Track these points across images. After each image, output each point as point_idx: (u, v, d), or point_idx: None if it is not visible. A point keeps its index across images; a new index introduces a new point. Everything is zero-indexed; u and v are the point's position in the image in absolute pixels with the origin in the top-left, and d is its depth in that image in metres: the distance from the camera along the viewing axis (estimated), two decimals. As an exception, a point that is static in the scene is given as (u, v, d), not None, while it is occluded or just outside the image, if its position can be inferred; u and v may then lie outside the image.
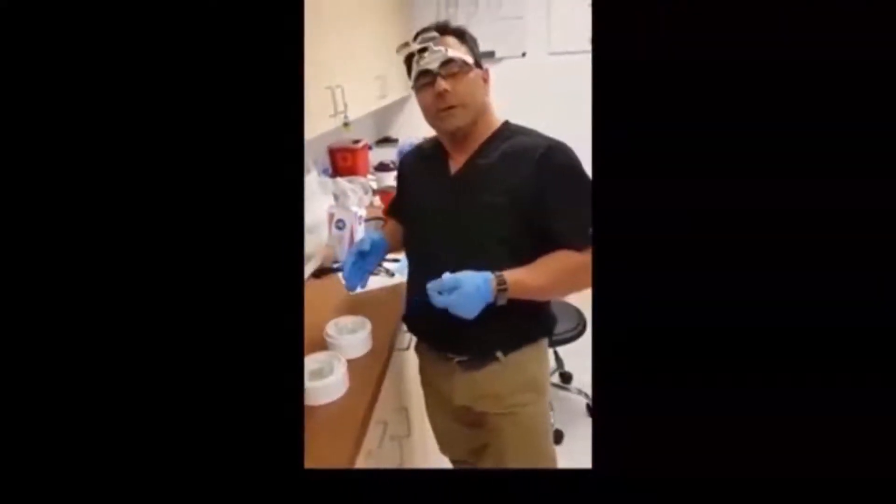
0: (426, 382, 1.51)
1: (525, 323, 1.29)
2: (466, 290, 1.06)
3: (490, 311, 1.12)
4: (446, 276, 1.09)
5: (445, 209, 1.26)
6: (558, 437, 2.38)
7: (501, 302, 1.11)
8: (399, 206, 1.51)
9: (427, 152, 1.40)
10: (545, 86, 3.28)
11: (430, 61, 1.17)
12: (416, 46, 1.19)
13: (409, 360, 1.75)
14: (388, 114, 3.61)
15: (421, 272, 1.27)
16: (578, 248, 1.15)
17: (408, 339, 1.67)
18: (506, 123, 1.30)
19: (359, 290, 1.79)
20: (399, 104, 3.48)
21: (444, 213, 1.26)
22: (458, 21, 3.38)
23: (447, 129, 1.22)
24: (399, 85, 2.89)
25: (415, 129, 3.59)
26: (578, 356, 2.71)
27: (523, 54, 3.32)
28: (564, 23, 3.24)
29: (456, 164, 1.29)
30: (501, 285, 1.09)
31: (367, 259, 1.39)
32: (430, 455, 1.87)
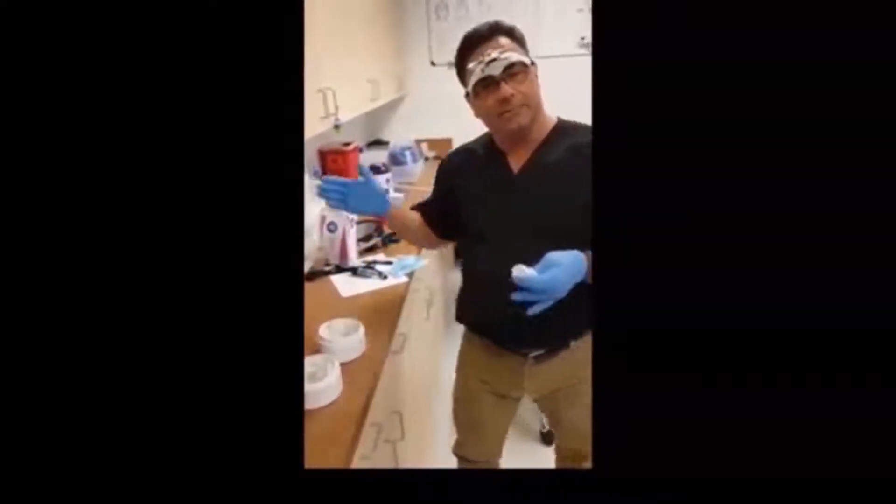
0: (479, 379, 1.49)
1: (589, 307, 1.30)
2: (563, 263, 1.03)
3: (568, 303, 1.11)
4: (548, 256, 1.04)
5: (513, 208, 1.26)
6: (550, 437, 2.38)
7: (590, 280, 1.09)
8: (433, 207, 1.50)
9: (479, 153, 1.40)
10: (535, 89, 3.30)
11: (494, 68, 1.17)
12: (486, 59, 1.18)
13: (403, 364, 1.75)
14: (378, 116, 3.62)
15: (487, 274, 1.29)
16: None
17: (401, 341, 1.67)
18: (560, 120, 1.33)
19: (351, 293, 1.80)
20: (390, 107, 3.48)
21: (512, 212, 1.26)
22: (448, 24, 3.40)
23: (511, 128, 1.23)
24: (390, 87, 2.90)
25: (405, 131, 3.60)
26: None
27: (513, 58, 3.33)
28: (553, 27, 3.27)
29: (517, 162, 1.30)
30: (592, 261, 1.05)
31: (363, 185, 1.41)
32: (423, 459, 1.87)
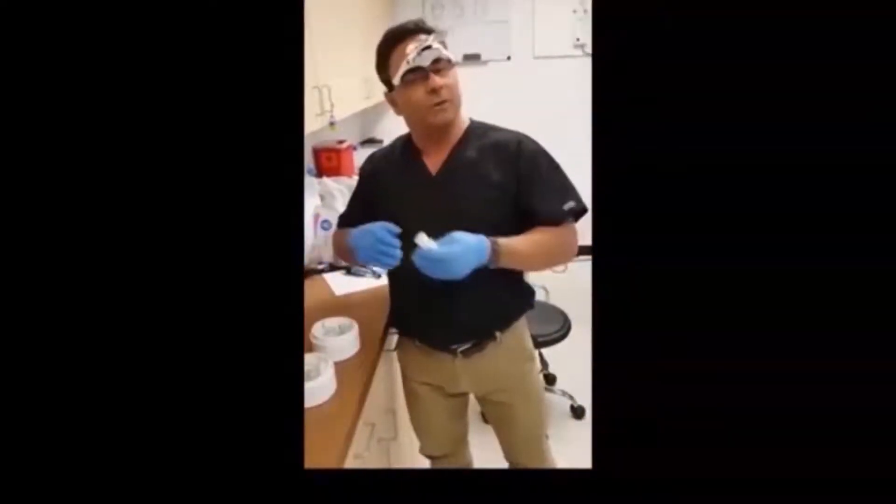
0: (419, 381, 1.50)
1: (513, 299, 1.39)
2: (466, 242, 1.09)
3: (490, 294, 1.18)
4: (453, 234, 1.10)
5: (433, 208, 1.27)
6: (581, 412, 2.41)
7: (494, 265, 1.14)
8: (359, 217, 1.42)
9: (396, 156, 1.40)
10: (530, 89, 3.30)
11: (424, 58, 1.19)
12: (419, 47, 1.19)
13: (398, 362, 1.75)
14: (372, 115, 3.60)
15: (413, 275, 1.28)
16: (557, 223, 1.25)
17: (395, 340, 1.67)
18: (472, 121, 1.35)
19: (345, 291, 1.80)
20: (384, 105, 3.47)
21: (433, 213, 1.27)
22: (444, 24, 3.39)
23: (439, 123, 1.24)
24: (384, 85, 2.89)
25: (400, 130, 3.59)
26: (562, 358, 2.72)
27: (508, 58, 3.33)
28: (548, 27, 3.26)
29: (433, 163, 1.31)
30: (495, 246, 1.13)
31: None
32: (416, 458, 1.87)
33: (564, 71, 3.26)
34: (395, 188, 1.36)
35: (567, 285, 2.49)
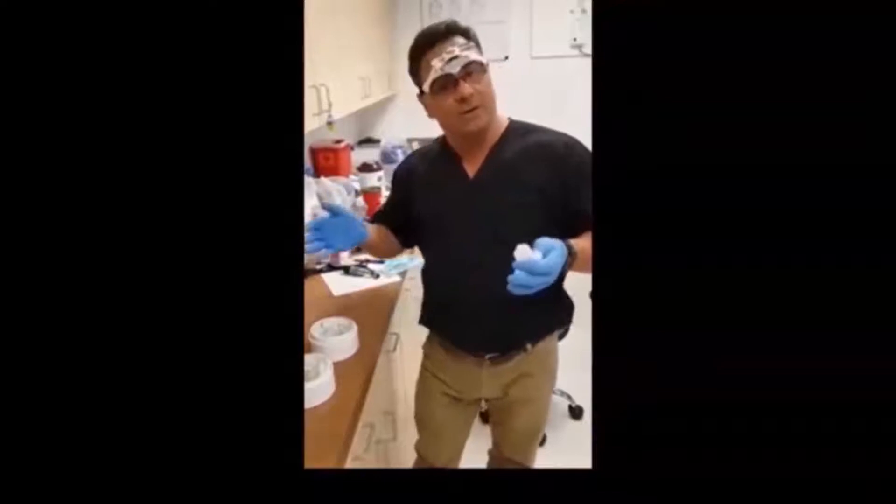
0: (440, 378, 1.48)
1: (550, 313, 1.37)
2: (558, 248, 0.99)
3: (522, 305, 1.11)
4: (540, 241, 0.98)
5: (470, 212, 1.26)
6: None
7: (568, 269, 1.05)
8: (394, 214, 1.48)
9: (433, 157, 1.38)
10: (527, 88, 3.30)
11: (454, 66, 1.15)
12: (447, 57, 1.15)
13: (397, 363, 1.75)
14: (370, 115, 3.60)
15: (447, 278, 1.34)
16: None
17: (394, 340, 1.67)
18: (511, 121, 1.32)
19: (343, 291, 1.80)
20: (382, 105, 3.47)
21: (470, 216, 1.25)
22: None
23: (471, 130, 1.21)
24: (382, 85, 2.89)
25: (397, 130, 3.59)
26: (562, 358, 2.72)
27: (506, 58, 3.33)
28: (546, 28, 3.27)
29: (471, 165, 1.29)
30: (572, 249, 1.04)
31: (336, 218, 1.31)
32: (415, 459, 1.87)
33: (562, 71, 3.27)
34: (432, 190, 1.34)
35: (567, 285, 2.49)
